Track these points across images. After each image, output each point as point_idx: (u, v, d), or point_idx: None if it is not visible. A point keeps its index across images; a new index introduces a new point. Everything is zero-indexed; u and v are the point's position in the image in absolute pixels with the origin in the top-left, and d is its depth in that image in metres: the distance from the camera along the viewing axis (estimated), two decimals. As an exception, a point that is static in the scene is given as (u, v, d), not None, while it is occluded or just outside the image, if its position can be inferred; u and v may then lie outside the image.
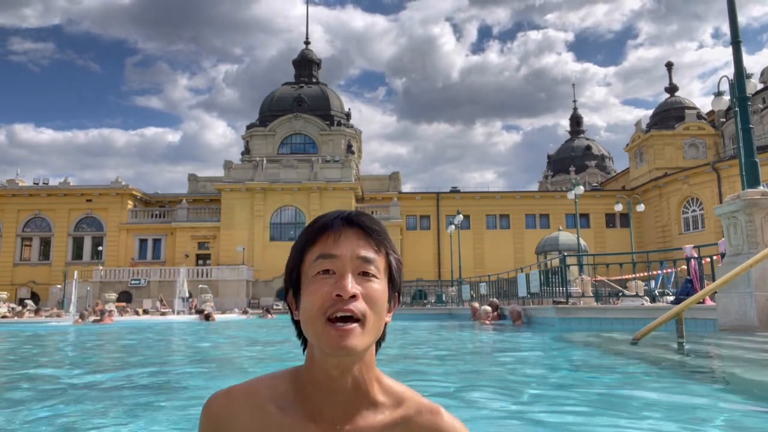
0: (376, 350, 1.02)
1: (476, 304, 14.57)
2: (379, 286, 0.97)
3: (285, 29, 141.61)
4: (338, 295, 0.91)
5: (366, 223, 1.00)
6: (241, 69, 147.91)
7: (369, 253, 0.97)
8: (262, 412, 0.98)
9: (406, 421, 0.98)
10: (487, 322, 13.71)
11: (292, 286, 1.01)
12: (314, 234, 0.99)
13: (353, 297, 0.92)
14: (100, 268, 39.46)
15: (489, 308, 13.96)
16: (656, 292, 14.66)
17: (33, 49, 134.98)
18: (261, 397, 1.00)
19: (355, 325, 0.91)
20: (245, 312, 27.69)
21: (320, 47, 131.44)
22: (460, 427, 1.00)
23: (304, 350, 1.01)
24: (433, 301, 30.99)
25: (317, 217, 1.04)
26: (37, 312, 24.87)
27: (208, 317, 20.16)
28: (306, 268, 0.98)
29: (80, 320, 17.55)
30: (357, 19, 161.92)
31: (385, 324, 1.00)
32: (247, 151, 50.48)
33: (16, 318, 22.95)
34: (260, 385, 1.03)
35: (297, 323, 1.00)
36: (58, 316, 23.48)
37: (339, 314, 0.91)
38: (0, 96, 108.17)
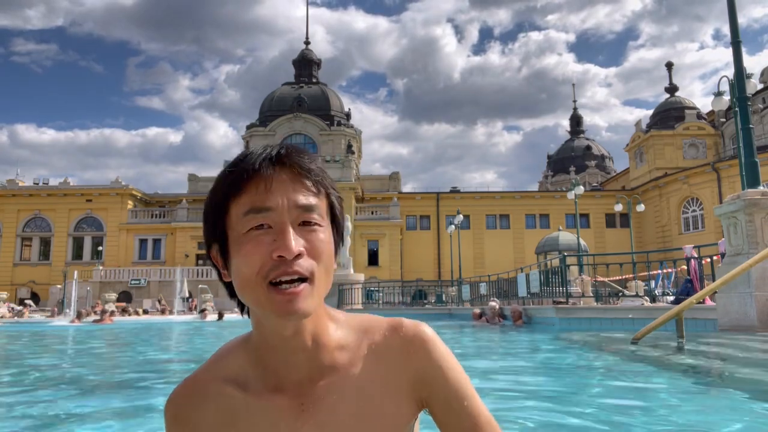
0: None
1: (477, 310, 14.59)
2: (324, 235, 0.83)
3: (287, 30, 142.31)
4: (280, 256, 0.78)
5: (301, 162, 0.85)
6: (242, 69, 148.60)
7: (309, 200, 0.83)
8: (223, 397, 0.88)
9: (373, 349, 0.90)
10: (489, 321, 13.70)
11: (216, 242, 0.86)
12: (238, 181, 0.82)
13: (297, 256, 0.79)
14: (100, 268, 39.46)
15: (495, 305, 13.86)
16: (656, 292, 14.67)
17: (36, 50, 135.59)
18: (218, 380, 0.90)
19: (303, 285, 0.79)
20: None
21: (322, 48, 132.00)
22: (428, 331, 0.92)
23: (242, 311, 0.90)
24: (433, 301, 30.96)
25: (239, 155, 0.86)
26: (21, 314, 24.73)
27: (221, 315, 20.15)
28: (233, 223, 0.82)
29: (77, 320, 17.39)
30: (359, 20, 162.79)
31: None
32: (247, 151, 50.46)
33: (16, 318, 22.95)
34: (214, 366, 0.92)
35: (229, 284, 0.86)
36: (51, 315, 23.41)
37: (284, 278, 0.78)
38: (2, 97, 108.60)
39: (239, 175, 0.83)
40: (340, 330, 0.92)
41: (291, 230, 0.80)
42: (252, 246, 0.80)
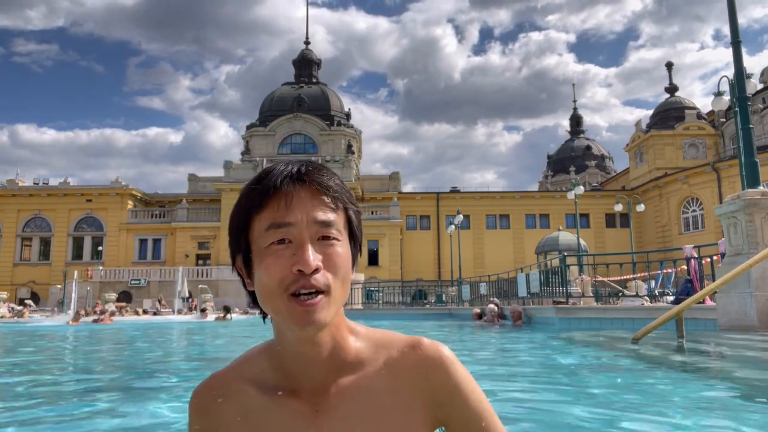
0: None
1: (477, 310, 14.67)
2: (342, 249, 0.88)
3: (287, 30, 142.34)
4: (299, 270, 0.83)
5: (320, 179, 0.89)
6: (243, 70, 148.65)
7: (328, 215, 0.87)
8: (243, 395, 0.94)
9: (390, 364, 0.92)
10: (489, 322, 13.70)
11: (240, 253, 0.91)
12: (261, 197, 0.87)
13: (315, 270, 0.84)
14: (100, 268, 39.46)
15: (494, 307, 13.90)
16: (656, 292, 14.66)
17: (37, 50, 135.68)
18: (240, 380, 0.95)
19: (320, 297, 0.84)
20: (246, 312, 27.68)
21: (323, 48, 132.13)
22: (447, 352, 0.93)
23: (264, 319, 0.94)
24: (433, 301, 30.97)
25: (261, 172, 0.92)
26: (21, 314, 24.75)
27: (228, 310, 19.85)
28: (256, 236, 0.88)
29: (73, 321, 17.05)
30: (359, 20, 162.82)
31: None
32: (247, 151, 50.50)
33: (16, 318, 22.95)
34: (239, 366, 0.98)
35: (252, 293, 0.91)
36: (52, 315, 23.36)
37: (303, 291, 0.83)
38: (3, 97, 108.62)
39: (262, 192, 0.88)
40: (358, 342, 0.95)
41: (310, 245, 0.85)
42: (273, 259, 0.85)
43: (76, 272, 29.84)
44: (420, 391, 0.91)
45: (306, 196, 0.87)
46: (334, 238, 0.87)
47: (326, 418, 0.89)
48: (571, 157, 66.15)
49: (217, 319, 19.76)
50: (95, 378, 5.39)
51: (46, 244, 45.98)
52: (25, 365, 6.73)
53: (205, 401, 0.96)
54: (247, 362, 0.98)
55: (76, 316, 17.63)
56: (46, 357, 7.99)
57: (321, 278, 0.84)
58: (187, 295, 28.62)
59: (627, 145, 51.17)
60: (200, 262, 43.42)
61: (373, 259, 43.43)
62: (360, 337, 0.95)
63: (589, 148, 67.84)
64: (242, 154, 50.85)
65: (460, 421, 0.92)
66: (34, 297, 43.00)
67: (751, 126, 9.38)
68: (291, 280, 0.83)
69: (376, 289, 27.40)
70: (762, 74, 43.73)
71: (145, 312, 25.98)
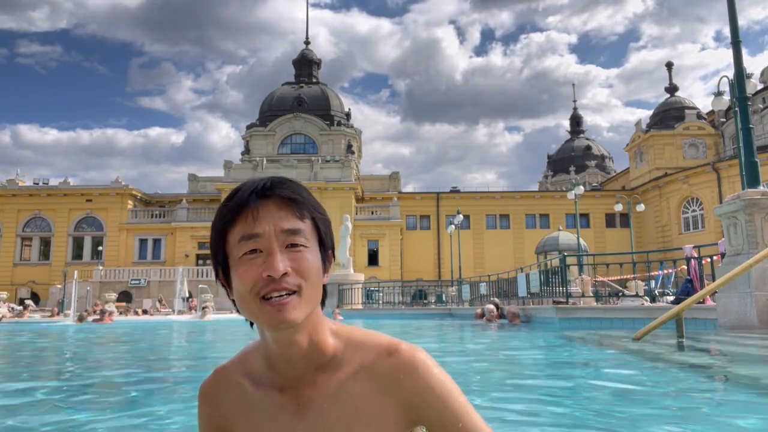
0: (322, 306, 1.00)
1: (479, 310, 14.73)
2: (310, 255, 0.94)
3: (290, 31, 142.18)
4: (269, 276, 0.89)
5: (283, 192, 0.96)
6: (245, 70, 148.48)
7: (293, 224, 0.93)
8: (239, 388, 1.04)
9: (366, 366, 0.97)
10: (488, 321, 13.72)
11: (220, 266, 0.98)
12: (232, 213, 0.94)
13: (285, 274, 0.90)
14: (100, 268, 39.45)
15: (493, 307, 13.96)
16: (656, 292, 14.67)
17: (40, 51, 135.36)
18: (238, 374, 1.05)
19: (292, 297, 0.90)
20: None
21: (325, 50, 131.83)
22: (421, 357, 0.96)
23: (252, 325, 1.00)
24: (433, 301, 30.97)
25: (233, 191, 0.98)
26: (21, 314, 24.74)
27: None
28: (231, 249, 0.94)
29: (79, 321, 17.33)
30: (361, 22, 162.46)
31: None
32: (247, 151, 50.51)
33: (16, 319, 22.94)
34: (238, 361, 1.08)
35: (234, 302, 0.98)
36: (51, 315, 23.40)
37: (274, 294, 0.89)
38: (5, 97, 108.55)
39: (232, 208, 0.95)
40: (337, 343, 1.00)
41: (278, 253, 0.91)
42: (245, 269, 0.92)
43: (76, 272, 29.85)
44: (393, 394, 0.96)
45: (272, 208, 0.94)
46: (302, 245, 0.93)
47: (307, 411, 0.97)
48: (571, 157, 66.17)
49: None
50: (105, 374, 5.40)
51: (46, 244, 45.98)
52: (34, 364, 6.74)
53: (208, 393, 1.08)
54: (244, 358, 1.08)
55: (81, 317, 17.82)
56: (56, 354, 8.00)
57: (291, 280, 0.91)
58: (187, 295, 28.62)
59: (627, 145, 51.16)
60: (200, 262, 43.41)
61: (373, 259, 43.43)
62: (340, 338, 1.01)
63: (589, 148, 67.86)
64: (242, 154, 50.85)
65: (437, 422, 0.96)
66: (34, 297, 42.98)
67: (751, 126, 9.39)
68: (262, 285, 0.90)
69: (376, 289, 27.36)
70: (762, 74, 43.73)
71: (144, 312, 25.99)
